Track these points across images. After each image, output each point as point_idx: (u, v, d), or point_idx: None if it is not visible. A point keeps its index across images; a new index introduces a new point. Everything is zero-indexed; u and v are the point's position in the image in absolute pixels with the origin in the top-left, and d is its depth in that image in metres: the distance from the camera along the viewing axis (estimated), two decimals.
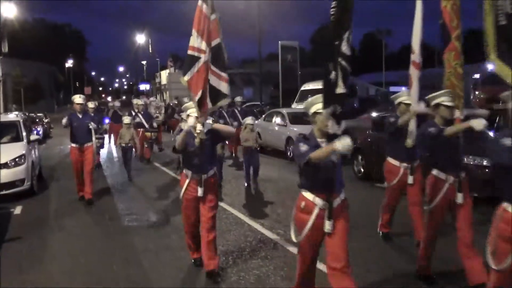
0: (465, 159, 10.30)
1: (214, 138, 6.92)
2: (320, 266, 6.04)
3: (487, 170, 10.17)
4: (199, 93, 6.58)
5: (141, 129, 18.89)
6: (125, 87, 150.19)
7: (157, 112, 24.08)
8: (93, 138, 12.21)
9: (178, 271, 7.35)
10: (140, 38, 79.82)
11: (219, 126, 7.34)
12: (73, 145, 12.19)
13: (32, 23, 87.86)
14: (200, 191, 6.74)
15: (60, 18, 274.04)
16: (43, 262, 7.99)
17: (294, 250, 7.25)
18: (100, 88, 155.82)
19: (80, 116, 12.07)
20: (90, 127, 11.98)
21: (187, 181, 6.85)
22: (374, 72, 69.54)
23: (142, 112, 19.65)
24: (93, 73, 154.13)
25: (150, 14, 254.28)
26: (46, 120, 37.52)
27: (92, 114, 13.83)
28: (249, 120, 13.58)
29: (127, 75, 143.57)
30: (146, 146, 19.50)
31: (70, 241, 9.10)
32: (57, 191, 14.04)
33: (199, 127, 6.50)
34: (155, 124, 20.35)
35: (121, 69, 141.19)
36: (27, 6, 59.24)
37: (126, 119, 15.82)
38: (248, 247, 8.28)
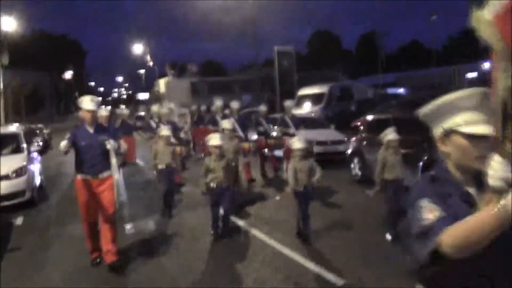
0: None
1: None
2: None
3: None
4: None
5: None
6: (124, 96, 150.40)
7: (183, 121, 20.72)
8: (113, 164, 7.92)
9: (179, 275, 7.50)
10: (138, 47, 80.00)
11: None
12: (80, 176, 8.02)
13: (31, 35, 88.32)
14: None
15: (58, 27, 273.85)
16: (43, 271, 8.16)
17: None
18: (100, 98, 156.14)
19: (91, 131, 8.01)
20: (108, 147, 7.81)
21: None
22: (372, 74, 69.77)
23: (166, 122, 15.08)
24: (92, 83, 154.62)
25: (147, 20, 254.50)
26: (46, 131, 37.73)
27: (106, 126, 10.10)
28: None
29: (126, 85, 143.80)
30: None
31: (70, 250, 9.22)
32: (57, 201, 14.14)
33: None
34: (183, 135, 17.17)
35: (119, 78, 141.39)
36: (26, 18, 59.58)
37: (164, 131, 11.88)
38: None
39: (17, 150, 14.28)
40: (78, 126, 8.24)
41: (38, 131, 33.41)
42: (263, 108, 16.48)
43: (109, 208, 7.98)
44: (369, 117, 15.13)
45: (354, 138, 14.68)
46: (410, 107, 25.38)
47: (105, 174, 7.97)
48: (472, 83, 26.19)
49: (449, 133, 2.52)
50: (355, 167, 14.52)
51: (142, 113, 52.01)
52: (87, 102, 7.94)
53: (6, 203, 12.33)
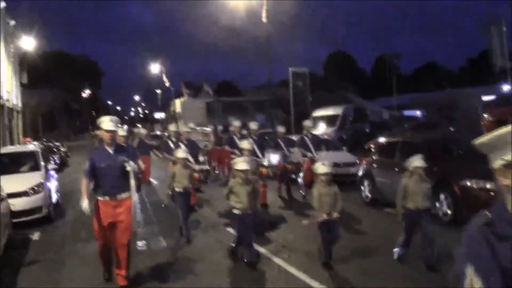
0: (468, 183, 10.73)
1: None
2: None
3: (491, 193, 10.26)
4: None
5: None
6: (141, 115, 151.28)
7: (206, 140, 20.68)
8: (132, 185, 7.83)
9: None
10: (154, 67, 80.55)
11: None
12: (101, 198, 7.92)
13: (50, 54, 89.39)
14: None
15: (76, 47, 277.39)
16: (60, 284, 8.41)
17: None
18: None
19: (111, 152, 7.90)
20: (128, 168, 7.75)
21: None
22: (387, 96, 69.79)
23: (185, 142, 14.72)
24: (109, 102, 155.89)
25: (163, 40, 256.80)
26: (63, 149, 38.34)
27: (124, 146, 9.02)
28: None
29: (142, 104, 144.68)
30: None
31: (85, 267, 9.41)
32: (73, 218, 14.34)
33: None
34: (201, 158, 16.33)
35: (136, 97, 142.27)
36: (45, 38, 60.45)
37: (180, 153, 11.44)
38: None
39: (35, 167, 14.67)
40: (97, 148, 8.33)
41: (55, 149, 33.91)
42: (281, 129, 16.24)
43: (125, 233, 7.87)
44: (381, 140, 15.30)
45: (365, 161, 14.79)
46: (422, 130, 25.58)
47: (124, 195, 7.82)
48: (487, 106, 26.15)
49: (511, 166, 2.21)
50: (365, 190, 14.59)
51: (158, 132, 52.52)
52: (106, 123, 7.78)
53: (23, 218, 12.61)
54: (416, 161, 8.46)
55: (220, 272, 8.74)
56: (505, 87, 26.72)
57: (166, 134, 45.89)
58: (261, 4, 33.15)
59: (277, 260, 9.19)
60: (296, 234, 11.15)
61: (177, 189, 10.92)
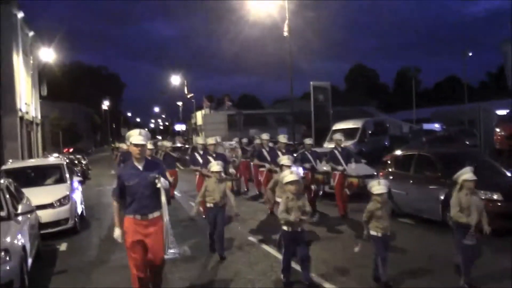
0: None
1: None
2: None
3: (498, 204, 11.00)
4: None
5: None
6: (161, 127, 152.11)
7: (233, 155, 19.74)
8: (164, 203, 7.19)
9: None
10: (175, 80, 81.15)
11: None
12: (130, 216, 7.27)
13: (70, 66, 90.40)
14: None
15: (96, 59, 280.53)
16: None
17: None
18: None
19: (141, 168, 7.29)
20: (159, 185, 7.11)
21: None
22: (408, 109, 69.87)
23: (214, 155, 14.22)
24: (129, 114, 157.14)
25: (185, 53, 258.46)
26: (84, 162, 38.92)
27: (154, 161, 8.47)
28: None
29: (163, 116, 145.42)
30: None
31: (112, 274, 9.75)
32: (98, 229, 14.73)
33: None
34: (232, 171, 15.95)
35: (156, 109, 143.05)
36: (65, 50, 61.14)
37: (215, 166, 10.59)
38: None
39: (61, 180, 15.06)
40: (125, 163, 7.69)
41: (76, 162, 34.46)
42: (308, 141, 15.73)
43: (158, 254, 7.23)
44: (397, 153, 15.57)
45: (382, 173, 14.98)
46: (439, 143, 25.73)
47: (155, 214, 7.23)
48: (501, 120, 26.32)
49: None
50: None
51: (179, 144, 52.84)
52: (135, 136, 7.21)
53: (50, 230, 12.95)
54: (466, 174, 8.01)
55: None
56: None
57: (187, 146, 46.18)
58: (283, 19, 33.44)
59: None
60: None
61: (208, 205, 10.42)
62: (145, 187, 7.14)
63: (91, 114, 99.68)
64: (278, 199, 10.03)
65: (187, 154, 28.67)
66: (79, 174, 24.74)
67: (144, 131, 7.42)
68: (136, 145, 7.18)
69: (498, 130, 23.00)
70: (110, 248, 11.70)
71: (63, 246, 12.40)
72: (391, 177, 14.48)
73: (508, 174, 12.94)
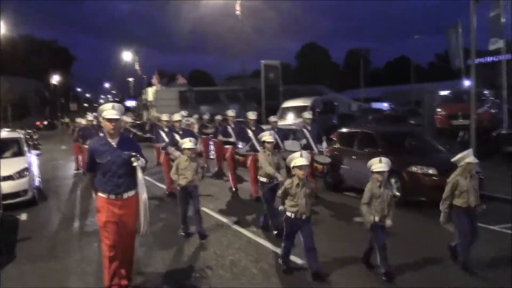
0: (414, 168, 12.15)
1: None
2: None
3: (433, 178, 12.09)
4: None
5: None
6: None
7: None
8: (141, 181, 6.82)
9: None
10: (127, 55, 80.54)
11: None
12: (103, 195, 6.87)
13: (18, 40, 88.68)
14: None
15: (46, 34, 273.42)
16: (55, 255, 9.31)
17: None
18: (86, 105, 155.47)
19: (114, 145, 6.87)
20: (135, 164, 6.74)
21: None
22: (358, 89, 71.29)
23: (181, 132, 13.71)
24: (79, 89, 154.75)
25: (137, 29, 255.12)
26: (35, 137, 38.84)
27: (129, 138, 7.71)
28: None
29: (113, 92, 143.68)
30: None
31: (75, 240, 10.34)
32: (56, 200, 15.29)
33: None
34: (199, 148, 14.61)
35: (107, 85, 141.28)
36: (13, 23, 59.75)
37: (188, 143, 9.94)
38: None
39: (19, 153, 15.47)
40: (96, 139, 7.23)
41: (28, 137, 34.36)
42: (273, 118, 14.78)
43: (131, 234, 7.04)
44: (343, 130, 16.45)
45: (328, 150, 15.46)
46: (384, 122, 26.91)
47: (130, 193, 6.87)
48: (442, 100, 27.74)
49: None
50: (328, 176, 15.63)
51: (130, 120, 52.52)
52: (108, 110, 6.75)
53: (10, 201, 13.35)
54: (469, 157, 7.73)
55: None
56: (466, 83, 28.08)
57: (137, 122, 46.10)
58: None
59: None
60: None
61: (182, 183, 9.84)
62: (118, 166, 6.76)
63: (41, 88, 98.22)
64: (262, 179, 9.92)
65: (144, 131, 28.64)
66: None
67: (118, 105, 6.91)
68: (109, 120, 6.72)
69: (439, 110, 24.21)
70: (71, 217, 12.35)
71: (23, 216, 12.85)
72: (336, 153, 15.36)
73: (444, 151, 14.03)
